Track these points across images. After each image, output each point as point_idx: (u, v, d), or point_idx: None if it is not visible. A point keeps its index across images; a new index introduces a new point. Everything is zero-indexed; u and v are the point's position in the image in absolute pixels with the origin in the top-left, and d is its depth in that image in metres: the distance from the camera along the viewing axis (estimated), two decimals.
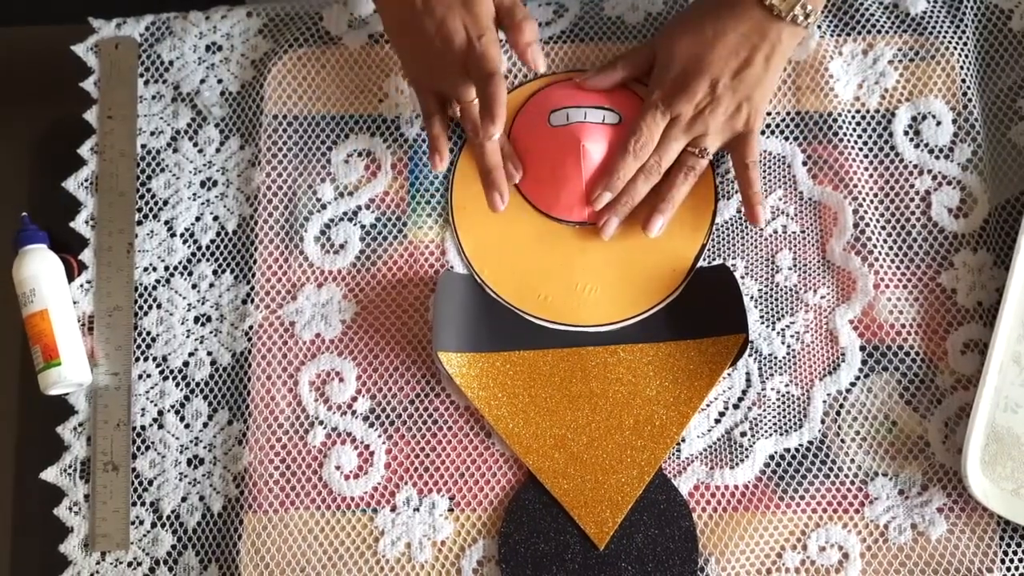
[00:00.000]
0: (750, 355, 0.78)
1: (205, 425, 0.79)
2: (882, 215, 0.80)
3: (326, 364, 0.79)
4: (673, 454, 0.77)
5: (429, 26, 0.75)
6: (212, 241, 0.82)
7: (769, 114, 0.81)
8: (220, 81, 0.85)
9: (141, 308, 0.81)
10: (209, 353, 0.80)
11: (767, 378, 0.78)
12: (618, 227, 0.79)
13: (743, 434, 0.77)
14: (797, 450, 0.77)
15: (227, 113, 0.84)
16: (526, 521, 0.76)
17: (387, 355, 0.79)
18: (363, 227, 0.81)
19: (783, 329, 0.78)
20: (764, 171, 0.81)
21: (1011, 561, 0.74)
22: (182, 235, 0.82)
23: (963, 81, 0.81)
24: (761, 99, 0.78)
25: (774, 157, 0.81)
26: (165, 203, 0.83)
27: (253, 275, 0.81)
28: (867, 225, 0.79)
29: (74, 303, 0.81)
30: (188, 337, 0.81)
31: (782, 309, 0.79)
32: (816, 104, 0.81)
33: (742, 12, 0.76)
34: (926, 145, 0.81)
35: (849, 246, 0.79)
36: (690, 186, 0.79)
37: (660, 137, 0.78)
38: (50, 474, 0.79)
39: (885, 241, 0.79)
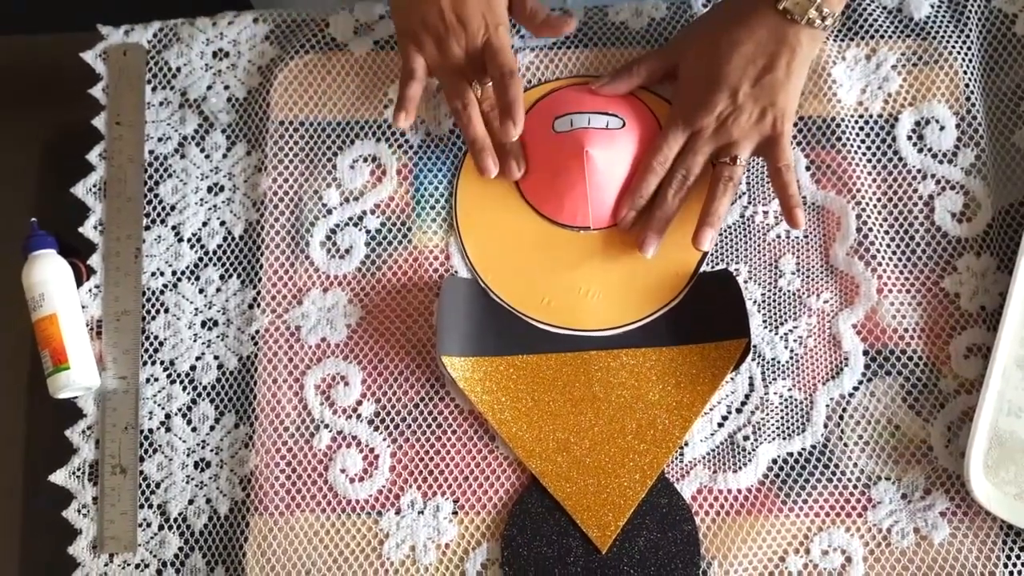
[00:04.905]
0: (753, 359, 0.78)
1: (212, 428, 0.80)
2: (885, 220, 0.80)
3: (331, 368, 0.80)
4: (676, 458, 0.77)
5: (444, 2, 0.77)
6: (219, 246, 0.83)
7: None
8: (227, 87, 0.85)
9: (149, 312, 0.82)
10: (216, 357, 0.81)
11: (770, 382, 0.78)
12: (657, 243, 0.79)
13: (746, 438, 0.77)
14: (800, 454, 0.77)
15: (234, 119, 0.85)
16: (529, 524, 0.76)
17: (392, 359, 0.80)
18: (368, 232, 0.82)
19: (786, 333, 0.79)
20: (767, 176, 0.81)
21: (1014, 565, 0.74)
22: (189, 240, 0.83)
23: (967, 86, 0.81)
24: (786, 103, 0.77)
25: None
26: (172, 208, 0.84)
27: (259, 280, 0.82)
28: (870, 230, 0.79)
29: (83, 307, 0.82)
30: (195, 341, 0.81)
31: (785, 313, 0.79)
32: (819, 109, 0.81)
33: (756, 19, 0.76)
34: (929, 150, 0.81)
35: (852, 251, 0.79)
36: (731, 196, 0.78)
37: (686, 150, 0.79)
38: (59, 477, 0.80)
39: (888, 246, 0.79)
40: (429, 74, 0.80)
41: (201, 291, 0.82)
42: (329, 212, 0.82)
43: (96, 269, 0.83)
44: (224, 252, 0.83)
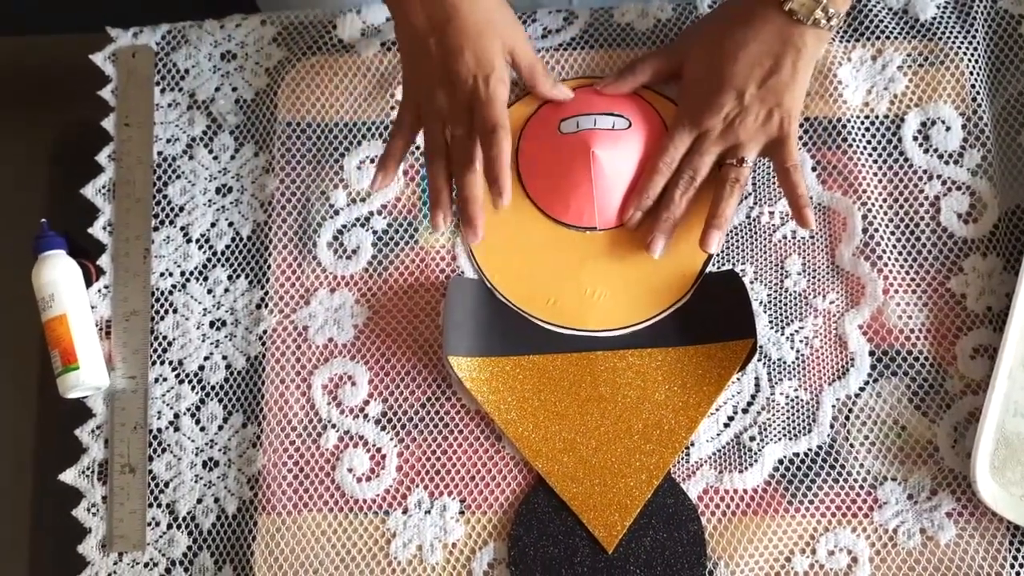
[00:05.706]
0: (759, 360, 0.78)
1: (220, 428, 0.80)
2: (891, 220, 0.80)
3: (339, 368, 0.80)
4: (682, 458, 0.77)
5: (436, 51, 0.75)
6: (227, 247, 0.83)
7: None
8: (235, 89, 0.86)
9: (157, 313, 0.83)
10: (224, 357, 0.81)
11: (776, 383, 0.78)
12: (665, 244, 0.79)
13: (752, 438, 0.77)
14: (806, 454, 0.77)
15: (241, 120, 0.85)
16: (536, 524, 0.76)
17: (399, 359, 0.80)
18: (375, 233, 0.82)
19: (792, 334, 0.79)
20: (773, 177, 0.81)
21: (1020, 566, 0.74)
22: (198, 241, 0.84)
23: (972, 86, 0.81)
24: (792, 103, 0.77)
25: None
26: (181, 209, 0.84)
27: (267, 280, 0.82)
28: (876, 230, 0.79)
29: (92, 308, 0.82)
30: (203, 341, 0.82)
31: (791, 314, 0.79)
32: (825, 110, 0.82)
33: (761, 20, 0.76)
34: (935, 150, 0.81)
35: (858, 251, 0.79)
36: (738, 197, 0.79)
37: (692, 151, 0.79)
38: (68, 476, 0.80)
39: (894, 246, 0.79)
40: (419, 124, 0.78)
41: (209, 291, 0.83)
42: (336, 213, 0.83)
43: (105, 270, 0.84)
44: (232, 253, 0.83)
